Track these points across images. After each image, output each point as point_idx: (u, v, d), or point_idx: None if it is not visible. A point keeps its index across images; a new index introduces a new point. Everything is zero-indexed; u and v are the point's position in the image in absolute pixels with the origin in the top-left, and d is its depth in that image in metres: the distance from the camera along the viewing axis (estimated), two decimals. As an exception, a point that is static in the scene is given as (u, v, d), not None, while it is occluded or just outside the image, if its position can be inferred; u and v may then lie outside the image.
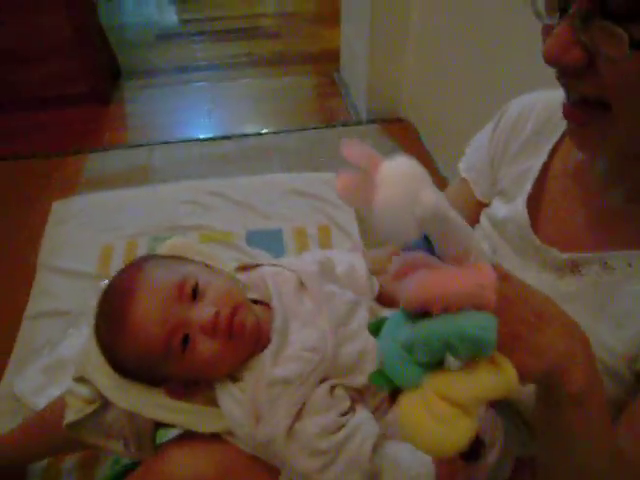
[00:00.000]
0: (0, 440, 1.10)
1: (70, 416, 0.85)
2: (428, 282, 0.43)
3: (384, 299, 0.88)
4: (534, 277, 0.70)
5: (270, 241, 1.82)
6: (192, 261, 0.82)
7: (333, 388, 0.72)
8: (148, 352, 0.72)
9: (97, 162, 2.29)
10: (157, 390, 0.76)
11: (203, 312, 0.72)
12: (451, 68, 2.08)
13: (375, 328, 0.49)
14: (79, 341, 1.51)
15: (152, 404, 0.76)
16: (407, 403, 0.45)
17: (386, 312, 0.84)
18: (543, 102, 0.78)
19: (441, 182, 2.13)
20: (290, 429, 0.69)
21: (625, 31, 0.43)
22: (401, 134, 2.43)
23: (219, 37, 3.54)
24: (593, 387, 0.51)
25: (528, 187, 0.73)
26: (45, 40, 2.52)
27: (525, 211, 0.72)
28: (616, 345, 0.61)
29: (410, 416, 0.44)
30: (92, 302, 1.53)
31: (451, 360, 0.44)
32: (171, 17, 3.98)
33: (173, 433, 0.82)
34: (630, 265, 0.61)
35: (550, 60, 0.50)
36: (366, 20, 2.33)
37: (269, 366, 0.71)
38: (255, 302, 0.81)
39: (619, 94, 0.49)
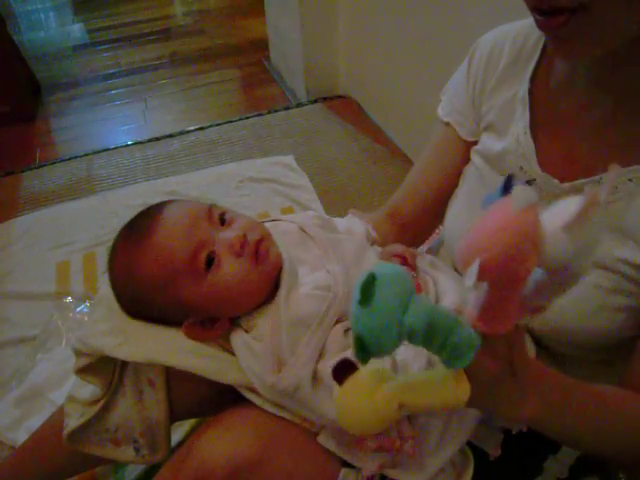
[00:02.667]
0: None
1: (72, 423, 0.79)
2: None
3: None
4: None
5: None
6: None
7: (347, 331, 0.69)
8: (171, 267, 0.68)
9: (33, 180, 2.16)
10: (175, 333, 0.72)
11: (231, 232, 0.71)
12: (385, 37, 2.07)
13: (365, 291, 0.44)
14: (50, 366, 1.41)
15: (171, 348, 0.71)
16: (354, 385, 0.48)
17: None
18: (514, 32, 0.77)
19: (394, 150, 2.12)
20: (314, 373, 0.66)
21: None
22: (345, 109, 2.40)
23: (138, 41, 3.43)
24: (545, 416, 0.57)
25: (524, 115, 0.72)
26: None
27: (530, 139, 0.70)
28: (633, 256, 0.61)
29: (351, 398, 0.48)
30: (58, 322, 1.48)
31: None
32: (79, 27, 3.83)
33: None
34: (631, 180, 0.61)
35: None
36: (294, 4, 2.29)
37: (284, 308, 0.68)
38: None
39: None
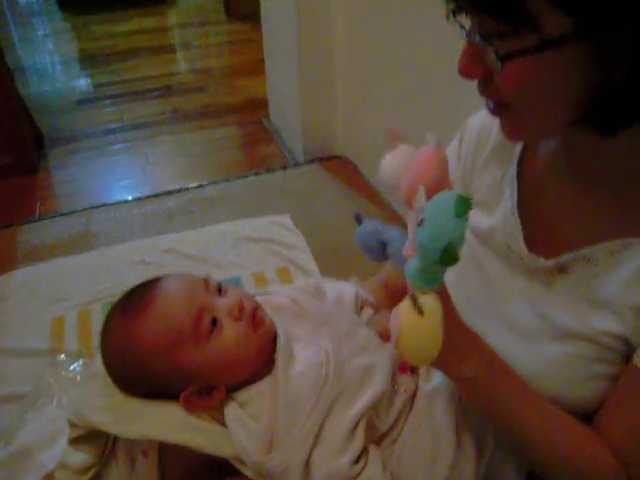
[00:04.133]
0: None
1: None
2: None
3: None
4: (526, 285, 0.72)
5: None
6: None
7: (356, 425, 0.69)
8: (176, 333, 0.71)
9: (31, 233, 2.19)
10: (170, 408, 0.73)
11: (230, 299, 0.75)
12: (380, 101, 2.16)
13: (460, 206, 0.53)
14: (40, 425, 1.39)
15: (168, 425, 0.72)
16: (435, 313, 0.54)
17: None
18: None
19: (389, 212, 2.16)
20: (307, 459, 0.67)
21: (492, 46, 0.53)
22: (342, 170, 2.46)
23: (141, 97, 3.52)
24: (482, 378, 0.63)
25: (512, 196, 0.75)
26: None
27: (517, 220, 0.73)
28: (613, 328, 0.64)
29: (434, 326, 0.54)
30: (50, 380, 1.47)
31: None
32: (85, 82, 3.94)
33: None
34: (611, 255, 0.64)
35: (461, 74, 0.59)
36: (294, 65, 2.39)
37: (283, 388, 0.70)
38: None
39: (513, 99, 0.57)
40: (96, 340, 1.63)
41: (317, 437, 0.68)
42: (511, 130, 0.63)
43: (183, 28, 5.23)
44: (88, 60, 4.35)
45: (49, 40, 5.05)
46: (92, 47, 4.61)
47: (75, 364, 1.52)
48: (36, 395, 1.47)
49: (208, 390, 0.73)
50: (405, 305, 0.54)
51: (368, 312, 0.88)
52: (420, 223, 0.52)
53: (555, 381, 0.67)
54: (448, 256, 0.51)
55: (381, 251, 0.73)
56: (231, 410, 0.72)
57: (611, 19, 0.47)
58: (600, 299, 0.65)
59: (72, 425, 0.77)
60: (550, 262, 0.69)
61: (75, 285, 1.84)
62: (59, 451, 1.23)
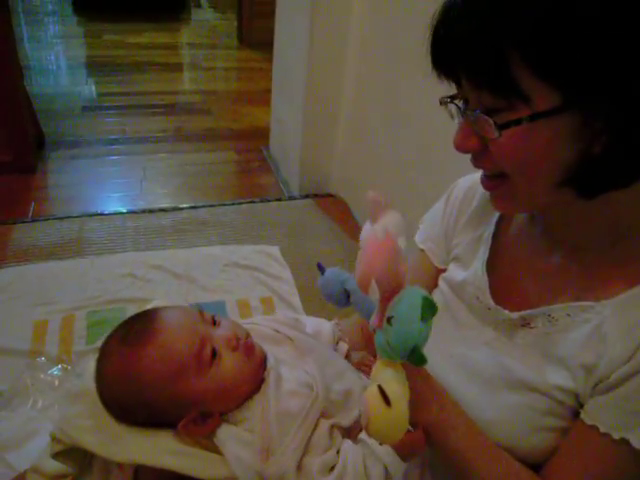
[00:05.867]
0: None
1: None
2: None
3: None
4: (492, 334, 0.79)
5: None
6: None
7: (332, 428, 0.78)
8: (178, 363, 0.75)
9: (23, 234, 2.20)
10: (158, 434, 0.76)
11: (225, 331, 0.81)
12: (378, 148, 2.24)
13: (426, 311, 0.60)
14: (13, 426, 1.41)
15: (156, 450, 0.75)
16: (400, 404, 0.59)
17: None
18: None
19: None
20: (299, 464, 0.73)
21: (491, 118, 0.59)
22: (334, 208, 2.53)
23: (145, 112, 3.58)
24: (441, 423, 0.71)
25: (484, 253, 0.83)
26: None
27: (485, 275, 0.81)
28: (565, 383, 0.69)
29: (398, 415, 0.59)
30: (27, 381, 1.49)
31: None
32: (91, 89, 3.99)
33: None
34: (569, 315, 0.70)
35: (457, 149, 0.66)
36: (300, 101, 2.47)
37: (274, 402, 0.76)
38: None
39: (507, 165, 0.63)
40: (77, 346, 1.65)
41: (307, 445, 0.75)
42: (504, 203, 0.70)
43: (194, 48, 5.34)
44: (96, 68, 4.41)
45: (59, 42, 5.11)
46: (102, 55, 4.69)
47: (54, 368, 1.54)
48: (12, 395, 1.48)
49: (203, 418, 0.76)
50: (372, 394, 0.58)
51: (344, 347, 0.96)
52: (388, 320, 0.58)
53: (509, 430, 0.73)
54: (415, 356, 0.58)
55: (344, 299, 0.80)
56: (222, 430, 0.76)
57: (593, 93, 0.54)
58: (556, 355, 0.70)
59: (55, 440, 0.80)
60: (515, 315, 0.75)
61: (62, 290, 1.86)
62: (29, 453, 1.25)
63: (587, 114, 0.56)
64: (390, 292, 0.60)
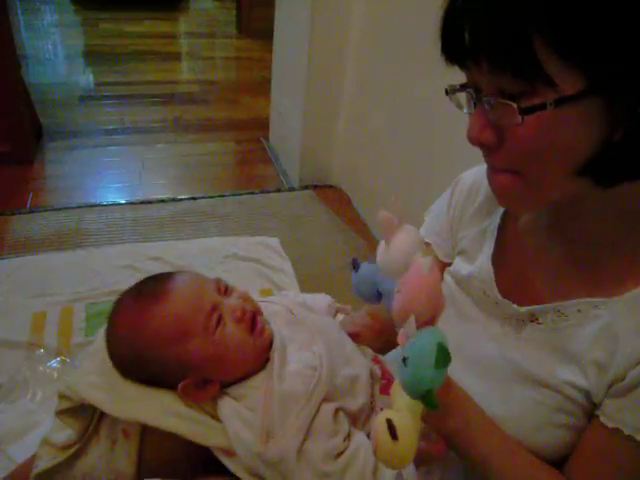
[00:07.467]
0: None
1: (42, 465, 0.83)
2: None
3: None
4: (499, 330, 0.77)
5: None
6: None
7: (337, 411, 0.78)
8: (187, 324, 0.77)
9: (21, 224, 2.19)
10: (163, 395, 0.78)
11: (233, 301, 0.82)
12: (380, 139, 2.22)
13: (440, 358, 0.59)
14: (12, 418, 1.40)
15: (159, 410, 0.76)
16: (409, 437, 0.58)
17: None
18: None
19: (375, 245, 2.21)
20: (300, 448, 0.73)
21: (513, 102, 0.55)
22: (335, 200, 2.52)
23: (144, 102, 3.55)
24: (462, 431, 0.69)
25: (490, 246, 0.81)
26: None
27: (491, 268, 0.79)
28: (576, 379, 0.68)
29: (407, 446, 0.58)
30: (27, 373, 1.48)
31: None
32: (88, 79, 3.96)
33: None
34: (580, 311, 0.69)
35: (471, 141, 0.62)
36: (301, 91, 2.45)
37: (277, 383, 0.76)
38: None
39: (525, 155, 0.59)
40: (76, 338, 1.65)
41: (309, 429, 0.75)
42: (513, 201, 0.67)
43: (193, 37, 5.30)
44: (94, 57, 4.38)
45: (56, 31, 5.07)
46: (99, 44, 4.65)
47: (53, 360, 1.54)
48: (11, 387, 1.48)
49: (204, 383, 0.78)
50: (381, 425, 0.57)
51: (341, 318, 0.99)
52: (404, 360, 0.57)
53: (521, 424, 0.72)
54: (427, 400, 0.57)
55: (376, 299, 0.79)
56: (226, 404, 0.77)
57: (618, 76, 0.52)
58: (567, 351, 0.69)
59: (62, 397, 0.82)
60: (523, 309, 0.74)
61: (60, 282, 1.85)
62: (29, 445, 1.25)
63: (610, 99, 0.54)
64: (423, 324, 0.60)
